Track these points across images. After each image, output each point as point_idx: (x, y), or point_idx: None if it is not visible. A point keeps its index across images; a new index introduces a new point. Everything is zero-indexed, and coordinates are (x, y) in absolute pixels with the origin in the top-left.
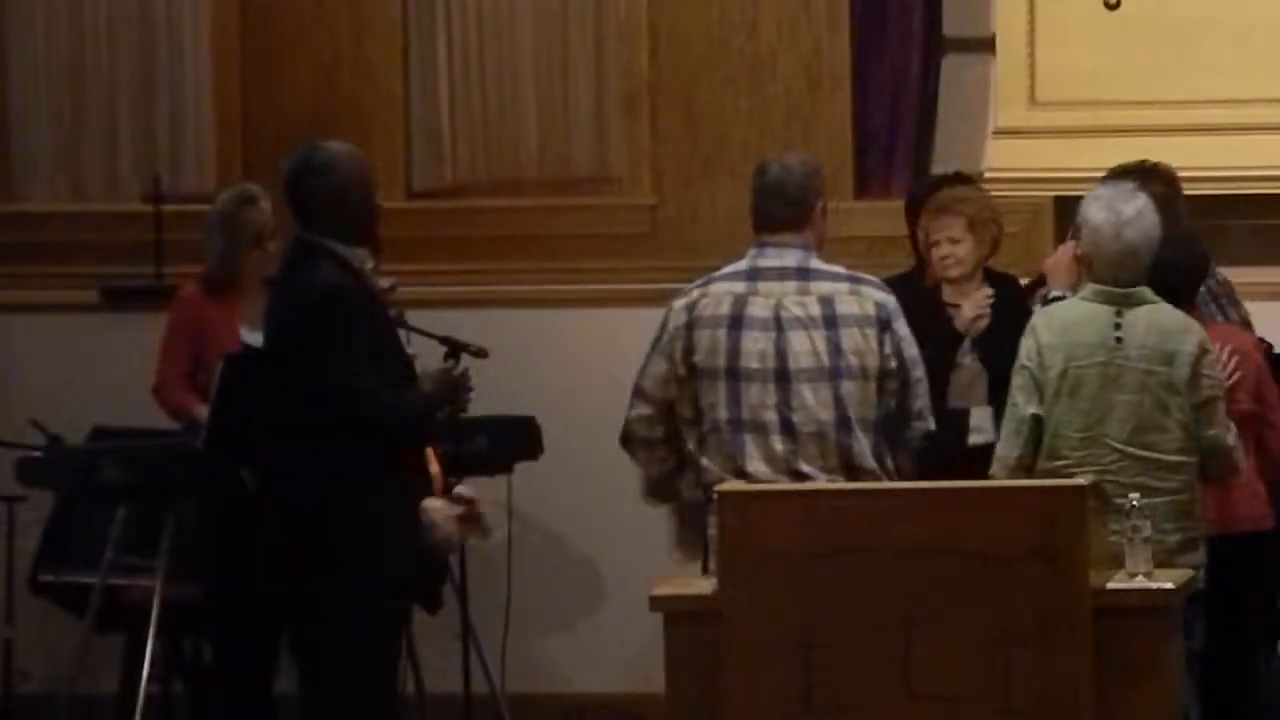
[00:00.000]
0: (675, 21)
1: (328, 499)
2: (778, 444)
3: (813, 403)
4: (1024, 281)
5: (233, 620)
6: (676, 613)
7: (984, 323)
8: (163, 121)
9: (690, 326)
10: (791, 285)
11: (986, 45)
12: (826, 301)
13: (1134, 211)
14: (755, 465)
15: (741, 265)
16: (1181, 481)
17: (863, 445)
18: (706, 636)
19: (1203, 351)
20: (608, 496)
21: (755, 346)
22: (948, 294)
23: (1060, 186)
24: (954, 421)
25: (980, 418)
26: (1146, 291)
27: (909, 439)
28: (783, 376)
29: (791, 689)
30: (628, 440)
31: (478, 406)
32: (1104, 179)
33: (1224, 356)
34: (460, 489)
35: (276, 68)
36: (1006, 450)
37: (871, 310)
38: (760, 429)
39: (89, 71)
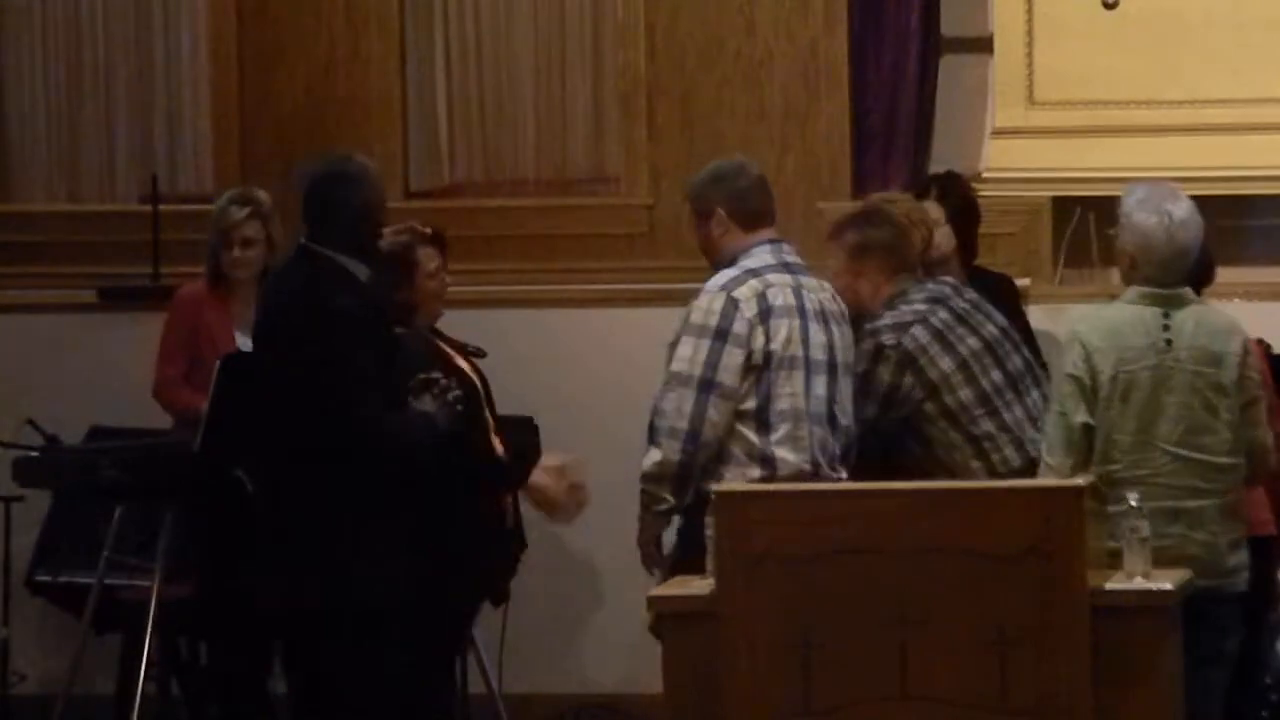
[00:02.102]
0: (672, 21)
1: (324, 511)
2: (829, 437)
3: (847, 396)
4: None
5: (229, 620)
6: (674, 613)
7: None
8: (160, 122)
9: (765, 315)
10: (813, 280)
11: (984, 45)
12: (834, 297)
13: (1185, 212)
14: (820, 458)
15: (769, 259)
16: (1230, 482)
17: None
18: (704, 637)
19: (1246, 351)
20: (606, 496)
21: (818, 338)
22: None
23: (1058, 186)
24: None
25: None
26: (1189, 292)
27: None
28: (833, 369)
29: (789, 689)
30: (697, 445)
31: None
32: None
33: None
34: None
35: (273, 68)
36: (1059, 460)
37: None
38: (821, 421)
39: (86, 72)
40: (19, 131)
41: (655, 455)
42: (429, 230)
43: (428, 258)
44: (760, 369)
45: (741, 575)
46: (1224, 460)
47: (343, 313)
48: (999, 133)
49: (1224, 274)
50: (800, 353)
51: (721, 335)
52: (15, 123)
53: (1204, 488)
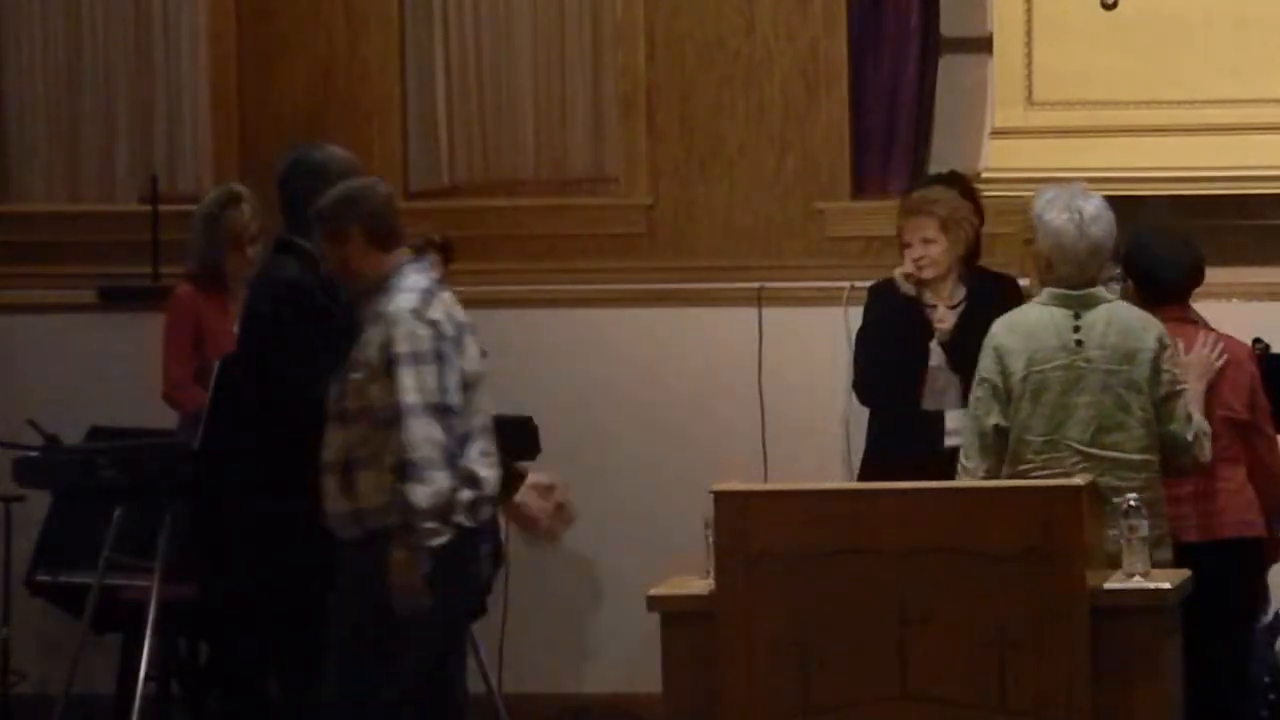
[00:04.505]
0: (672, 22)
1: (289, 500)
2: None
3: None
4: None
5: (229, 620)
6: (674, 613)
7: (947, 326)
8: (160, 122)
9: (460, 333)
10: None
11: (984, 45)
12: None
13: (1095, 209)
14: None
15: (423, 276)
16: (1145, 479)
17: None
18: (704, 636)
19: (1162, 347)
20: (605, 496)
21: (474, 350)
22: (925, 295)
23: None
24: (929, 424)
25: (955, 420)
26: (1102, 291)
27: None
28: (483, 380)
29: (789, 689)
30: (455, 467)
31: None
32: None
33: (1209, 346)
34: (538, 477)
35: (273, 68)
36: (975, 462)
37: None
38: (491, 434)
39: (86, 72)
40: (19, 131)
41: (427, 490)
42: (437, 238)
43: (431, 264)
44: (463, 388)
45: (741, 575)
46: (1137, 457)
47: (283, 281)
48: (998, 133)
49: (1224, 274)
50: (477, 368)
51: (438, 357)
52: (15, 123)
53: (1118, 485)
